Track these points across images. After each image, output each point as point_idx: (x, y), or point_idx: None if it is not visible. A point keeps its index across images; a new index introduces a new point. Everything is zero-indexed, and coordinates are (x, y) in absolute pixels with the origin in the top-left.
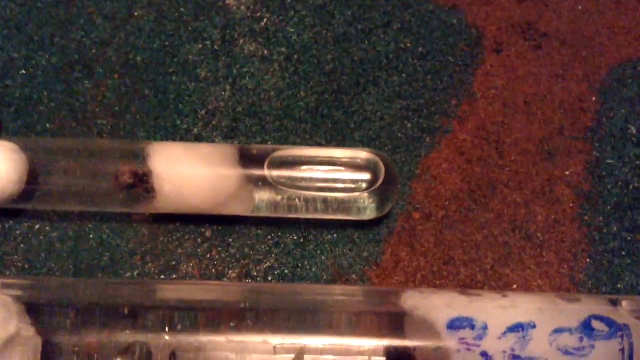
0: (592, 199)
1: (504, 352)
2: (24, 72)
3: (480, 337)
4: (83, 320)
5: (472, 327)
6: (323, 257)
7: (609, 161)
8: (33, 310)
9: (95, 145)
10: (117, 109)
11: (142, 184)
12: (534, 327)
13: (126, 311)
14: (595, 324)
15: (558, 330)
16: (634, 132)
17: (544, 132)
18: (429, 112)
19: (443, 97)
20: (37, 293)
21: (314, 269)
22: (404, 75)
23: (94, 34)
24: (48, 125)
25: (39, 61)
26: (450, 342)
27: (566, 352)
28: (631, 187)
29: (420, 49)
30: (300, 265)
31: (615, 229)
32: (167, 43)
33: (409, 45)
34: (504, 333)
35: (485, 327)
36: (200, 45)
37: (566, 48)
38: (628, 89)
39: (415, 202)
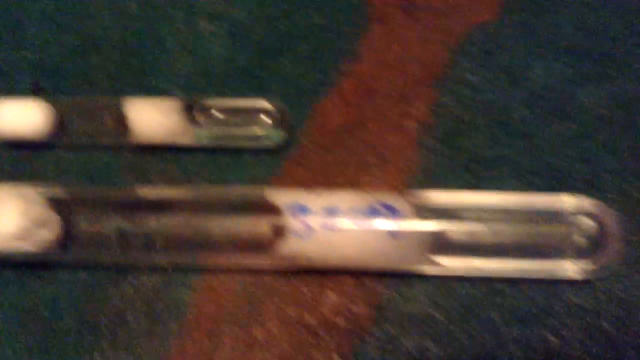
0: (431, 129)
1: (322, 225)
2: None
3: (304, 213)
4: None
5: (303, 210)
6: None
7: (448, 102)
8: (54, 201)
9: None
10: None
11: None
12: (340, 209)
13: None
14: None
15: (356, 210)
16: (472, 80)
17: (405, 82)
18: (324, 70)
19: (335, 58)
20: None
21: None
22: (312, 43)
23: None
24: None
25: None
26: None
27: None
28: (464, 120)
29: (322, 22)
30: None
31: (445, 151)
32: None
33: (316, 20)
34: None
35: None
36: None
37: (435, 17)
38: (474, 47)
39: (307, 135)
